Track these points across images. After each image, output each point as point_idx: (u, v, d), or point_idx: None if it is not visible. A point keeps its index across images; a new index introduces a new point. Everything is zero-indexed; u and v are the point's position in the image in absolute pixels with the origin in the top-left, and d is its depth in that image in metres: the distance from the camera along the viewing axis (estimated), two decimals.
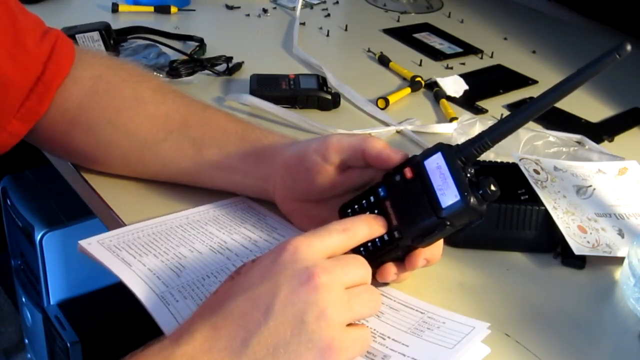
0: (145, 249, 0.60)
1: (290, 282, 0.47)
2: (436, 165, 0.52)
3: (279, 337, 0.46)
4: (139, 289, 0.55)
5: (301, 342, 0.46)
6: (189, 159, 0.66)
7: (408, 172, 0.54)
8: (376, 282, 0.57)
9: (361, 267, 0.50)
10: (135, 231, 0.63)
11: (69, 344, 0.99)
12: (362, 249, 0.55)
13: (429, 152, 0.54)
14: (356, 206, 0.57)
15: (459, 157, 0.53)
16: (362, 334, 0.49)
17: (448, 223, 0.52)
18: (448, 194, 0.51)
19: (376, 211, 0.55)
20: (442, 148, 0.53)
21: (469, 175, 0.53)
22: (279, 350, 0.45)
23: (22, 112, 0.65)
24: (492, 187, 0.52)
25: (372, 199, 0.56)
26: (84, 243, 0.60)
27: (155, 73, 0.92)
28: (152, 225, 0.64)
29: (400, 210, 0.54)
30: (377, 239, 0.54)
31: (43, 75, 0.65)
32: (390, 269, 0.56)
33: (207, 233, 0.64)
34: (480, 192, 0.52)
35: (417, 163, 0.54)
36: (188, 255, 0.60)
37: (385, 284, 0.59)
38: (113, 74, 0.68)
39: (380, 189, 0.55)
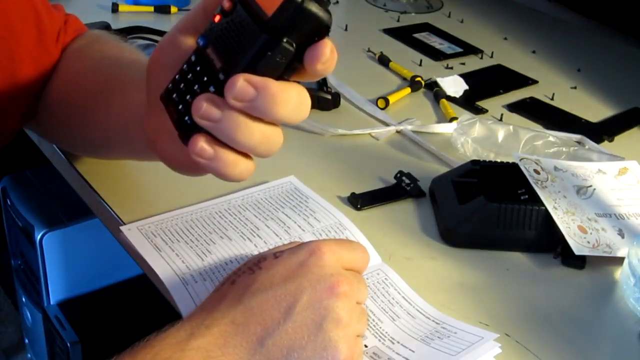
0: (179, 235, 0.62)
1: (314, 287, 0.47)
2: None
3: (296, 341, 0.46)
4: (161, 269, 0.57)
5: (316, 348, 0.46)
6: (102, 115, 0.61)
7: (225, 3, 0.44)
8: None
9: (366, 289, 0.51)
10: (174, 217, 0.65)
11: (69, 344, 0.99)
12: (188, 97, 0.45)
13: None
14: (177, 76, 0.46)
15: None
16: (362, 347, 0.50)
17: (283, 36, 0.41)
18: (274, 2, 0.41)
19: (198, 68, 0.44)
20: None
21: None
22: (293, 354, 0.46)
23: (29, 108, 0.66)
24: None
25: (193, 57, 0.45)
26: (124, 229, 0.63)
27: None
28: (192, 212, 0.66)
29: (223, 49, 0.43)
30: (197, 87, 0.44)
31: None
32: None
33: (243, 219, 0.65)
34: None
35: None
36: (217, 242, 0.61)
37: (401, 290, 0.60)
38: (75, 53, 0.68)
39: (198, 40, 0.45)
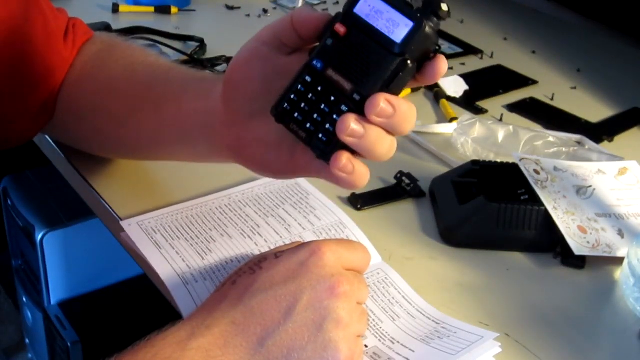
0: (179, 232, 0.62)
1: (314, 287, 0.47)
2: (370, 8, 0.46)
3: (296, 342, 0.46)
4: (162, 268, 0.57)
5: (317, 348, 0.46)
6: (151, 122, 0.62)
7: (340, 28, 0.47)
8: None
9: (367, 289, 0.51)
10: (175, 212, 0.65)
11: (69, 344, 0.99)
12: (327, 125, 0.48)
13: (353, 0, 0.47)
14: (292, 96, 0.48)
15: None
16: (362, 348, 0.50)
17: (408, 58, 0.46)
18: (398, 28, 0.45)
19: (320, 88, 0.48)
20: None
21: (411, 2, 0.46)
22: (293, 354, 0.46)
23: (46, 107, 0.67)
24: (442, 6, 0.46)
25: (308, 78, 0.48)
26: (124, 224, 0.63)
27: None
28: (193, 207, 0.66)
29: (348, 71, 0.47)
30: (335, 115, 0.47)
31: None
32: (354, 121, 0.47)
33: (244, 216, 0.65)
34: (430, 10, 0.46)
35: (346, 15, 0.47)
36: (218, 239, 0.62)
37: (402, 290, 0.60)
38: (97, 58, 0.68)
39: (314, 62, 0.48)
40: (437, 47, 0.47)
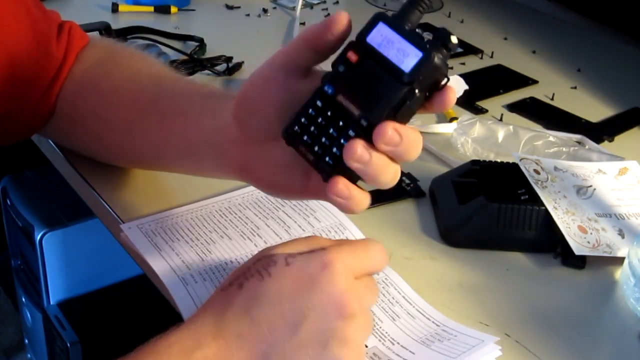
0: (179, 234, 0.62)
1: (324, 307, 0.46)
2: (382, 37, 0.48)
3: (300, 358, 0.45)
4: (162, 269, 0.58)
5: None
6: (155, 134, 0.62)
7: (352, 56, 0.48)
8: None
9: (377, 292, 0.50)
10: (175, 215, 0.65)
11: (68, 344, 0.99)
12: (334, 149, 0.48)
13: (367, 28, 0.48)
14: (303, 119, 0.49)
15: (403, 21, 0.48)
16: (364, 354, 0.49)
17: (415, 87, 0.47)
18: (407, 57, 0.46)
19: (329, 113, 0.48)
20: (381, 17, 0.48)
21: (422, 34, 0.48)
22: None
23: (40, 108, 0.67)
24: (452, 38, 0.47)
25: (319, 103, 0.49)
26: (125, 227, 0.63)
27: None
28: (193, 210, 0.66)
29: (357, 97, 0.48)
30: (342, 139, 0.48)
31: (58, 75, 0.66)
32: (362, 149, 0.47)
33: (244, 218, 0.65)
34: (440, 42, 0.47)
35: (358, 43, 0.48)
36: (217, 241, 0.62)
37: (401, 290, 0.60)
38: (99, 67, 0.68)
39: (325, 88, 0.49)
40: (447, 79, 0.48)
